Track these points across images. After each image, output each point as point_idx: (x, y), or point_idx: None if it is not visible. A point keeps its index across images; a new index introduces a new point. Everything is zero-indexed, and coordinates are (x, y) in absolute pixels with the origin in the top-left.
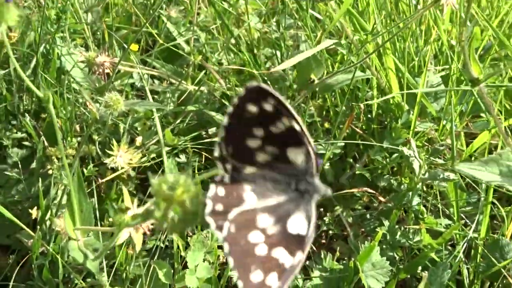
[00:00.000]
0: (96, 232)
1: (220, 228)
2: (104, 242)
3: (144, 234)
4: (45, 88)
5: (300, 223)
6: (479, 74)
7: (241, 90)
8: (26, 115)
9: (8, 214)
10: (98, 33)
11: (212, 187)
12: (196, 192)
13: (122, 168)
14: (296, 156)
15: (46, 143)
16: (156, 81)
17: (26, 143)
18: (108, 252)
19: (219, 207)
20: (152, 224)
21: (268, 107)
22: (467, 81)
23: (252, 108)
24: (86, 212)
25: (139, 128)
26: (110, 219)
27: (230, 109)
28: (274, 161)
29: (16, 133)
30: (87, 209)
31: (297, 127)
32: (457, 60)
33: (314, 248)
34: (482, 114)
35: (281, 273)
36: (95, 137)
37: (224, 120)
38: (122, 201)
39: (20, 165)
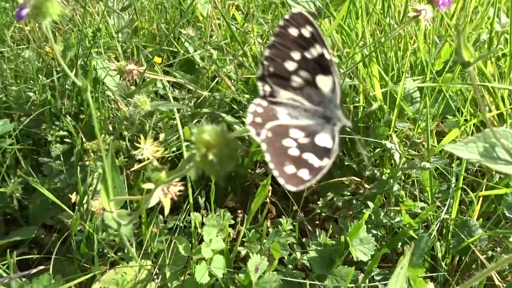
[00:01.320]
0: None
1: (258, 134)
2: (135, 210)
3: (172, 199)
4: (83, 93)
5: (326, 140)
6: (470, 58)
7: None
8: (67, 116)
9: (52, 197)
10: (128, 50)
11: (252, 106)
12: (231, 139)
13: (147, 159)
14: (324, 84)
15: (83, 139)
16: (176, 90)
17: (67, 139)
18: (136, 231)
19: (258, 119)
20: (179, 191)
21: (306, 32)
22: (439, 89)
23: (293, 31)
24: (119, 187)
25: (162, 126)
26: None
27: (275, 29)
28: (305, 88)
29: (59, 131)
30: (119, 185)
31: (327, 55)
32: (429, 72)
33: (310, 228)
34: (450, 117)
35: (311, 170)
36: (125, 133)
37: (270, 39)
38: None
39: (62, 158)
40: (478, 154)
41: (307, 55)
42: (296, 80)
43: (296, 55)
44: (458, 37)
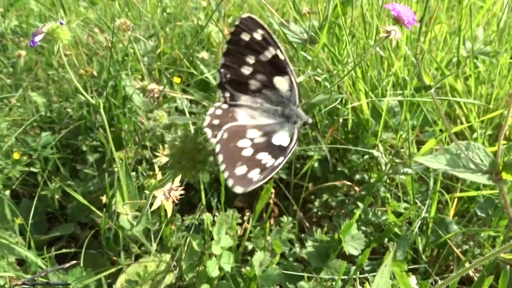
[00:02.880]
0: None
1: (214, 136)
2: (144, 214)
3: (176, 205)
4: (114, 109)
5: (283, 138)
6: (430, 82)
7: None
8: (100, 129)
9: (83, 200)
10: (153, 72)
11: (211, 108)
12: (203, 145)
13: (154, 173)
14: (281, 84)
15: (113, 149)
16: (193, 105)
17: (99, 149)
18: (157, 228)
19: (216, 121)
20: (180, 195)
21: (257, 36)
22: (420, 96)
23: (245, 37)
24: (132, 193)
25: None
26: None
27: (228, 37)
28: (263, 90)
29: (92, 142)
30: (133, 191)
31: (281, 56)
32: (408, 89)
33: (308, 225)
34: (428, 128)
35: (262, 170)
36: (148, 143)
37: (224, 47)
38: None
39: (94, 165)
40: (446, 164)
41: (262, 58)
42: (254, 83)
43: (251, 59)
44: (418, 65)
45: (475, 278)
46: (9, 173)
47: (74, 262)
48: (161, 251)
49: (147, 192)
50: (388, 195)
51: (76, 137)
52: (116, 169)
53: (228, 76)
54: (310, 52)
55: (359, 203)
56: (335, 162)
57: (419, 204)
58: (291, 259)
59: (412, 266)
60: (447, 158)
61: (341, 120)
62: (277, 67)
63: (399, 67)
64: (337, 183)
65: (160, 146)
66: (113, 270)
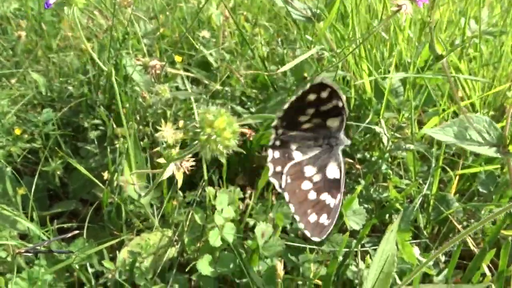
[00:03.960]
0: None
1: (281, 186)
2: (153, 182)
3: (185, 173)
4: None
5: (334, 170)
6: (442, 51)
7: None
8: (101, 107)
9: (88, 174)
10: (153, 54)
11: (270, 152)
12: (234, 121)
13: (174, 144)
14: (333, 123)
15: (114, 126)
16: (194, 86)
17: (100, 127)
18: (159, 204)
19: (278, 168)
20: (191, 166)
21: (324, 94)
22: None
23: (311, 97)
24: (140, 163)
25: (181, 115)
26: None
27: (292, 98)
28: (314, 128)
29: (94, 119)
30: (141, 161)
31: (340, 104)
32: (412, 69)
33: None
34: (429, 109)
35: (329, 214)
36: (149, 119)
37: (285, 105)
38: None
39: (96, 142)
40: (453, 137)
41: (322, 108)
42: (307, 125)
43: (311, 110)
44: (431, 34)
45: (476, 252)
46: (9, 149)
47: (76, 232)
48: (163, 226)
49: (161, 160)
50: (389, 172)
51: (77, 115)
52: (118, 146)
53: (284, 123)
54: (315, 30)
55: (360, 180)
56: None
57: (420, 181)
58: (292, 234)
59: (414, 241)
60: (454, 131)
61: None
62: (334, 112)
63: (404, 47)
64: None
65: (162, 121)
66: (115, 242)
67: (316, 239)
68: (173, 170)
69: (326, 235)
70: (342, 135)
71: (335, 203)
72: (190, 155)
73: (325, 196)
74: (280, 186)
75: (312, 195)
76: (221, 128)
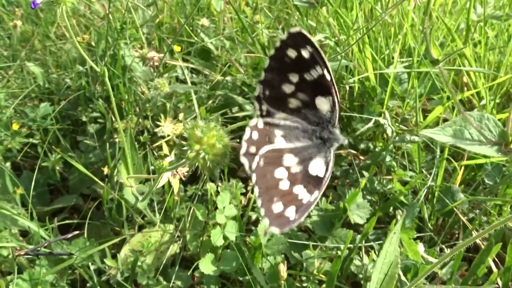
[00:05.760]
0: (146, 181)
1: (251, 167)
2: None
3: (182, 180)
4: (113, 79)
5: (319, 166)
6: (438, 56)
7: (283, 35)
8: (100, 99)
9: (85, 171)
10: (153, 42)
11: (248, 130)
12: (224, 136)
13: (168, 135)
14: (323, 105)
15: (113, 120)
16: (194, 75)
17: (99, 120)
18: (161, 199)
19: (253, 149)
20: (186, 172)
21: (305, 53)
22: (427, 65)
23: (292, 53)
24: (137, 164)
25: (181, 107)
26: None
27: (272, 52)
28: (302, 108)
29: (92, 113)
30: (137, 162)
31: (327, 76)
32: (416, 55)
33: None
34: (434, 97)
35: (298, 207)
36: (149, 113)
37: (265, 62)
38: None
39: (95, 136)
40: (453, 137)
41: (306, 76)
42: (294, 102)
43: (294, 77)
44: (426, 39)
45: (482, 246)
46: (8, 145)
47: (77, 232)
48: (164, 221)
49: (156, 173)
50: (393, 163)
51: (76, 108)
52: (118, 140)
53: (267, 93)
54: (317, 16)
55: (364, 172)
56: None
57: (425, 172)
58: (295, 228)
59: (418, 234)
60: (454, 130)
61: (347, 88)
62: (321, 87)
63: (408, 33)
64: (341, 152)
65: (162, 116)
66: (116, 240)
67: (274, 229)
68: (169, 177)
69: (287, 230)
70: (337, 130)
71: (309, 199)
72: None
73: (300, 190)
74: (250, 168)
75: (284, 185)
76: (210, 144)
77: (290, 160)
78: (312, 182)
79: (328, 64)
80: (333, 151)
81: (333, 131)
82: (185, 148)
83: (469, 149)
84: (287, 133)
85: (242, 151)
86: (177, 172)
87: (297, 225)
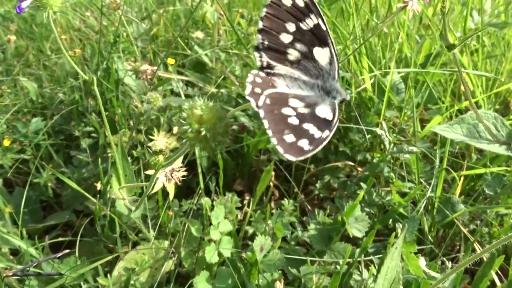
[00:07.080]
0: (139, 193)
1: (257, 106)
2: (143, 194)
3: (176, 193)
4: (106, 93)
5: (326, 112)
6: (454, 40)
7: None
8: (93, 114)
9: (76, 187)
10: (147, 56)
11: (250, 76)
12: (223, 114)
13: (161, 150)
14: (321, 56)
15: (106, 134)
16: (189, 88)
17: (93, 134)
18: (155, 213)
19: (257, 90)
20: (183, 177)
21: (299, 1)
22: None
23: (287, 1)
24: (129, 176)
25: (175, 120)
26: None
27: (267, 0)
28: (302, 61)
29: (85, 127)
30: (129, 174)
31: (323, 26)
32: (413, 65)
33: (309, 207)
34: (431, 106)
35: (311, 141)
36: (142, 127)
37: (262, 11)
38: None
39: (88, 151)
40: (462, 134)
41: (302, 26)
42: (293, 53)
43: (291, 26)
44: (443, 20)
45: (485, 259)
46: (0, 161)
47: (67, 251)
48: (159, 237)
49: (150, 172)
50: (392, 175)
51: (69, 123)
52: (110, 154)
53: (266, 43)
54: None
55: (362, 184)
56: (336, 142)
57: (424, 183)
58: (293, 242)
59: (418, 247)
60: (463, 128)
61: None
62: (318, 37)
63: (405, 41)
64: (339, 163)
65: (155, 130)
66: (109, 258)
67: (290, 157)
68: (163, 182)
69: (302, 159)
70: (338, 84)
71: (321, 135)
72: (183, 164)
73: (310, 127)
74: (257, 105)
75: (294, 121)
76: (211, 122)
77: (296, 103)
78: (321, 123)
79: (322, 13)
80: (337, 103)
81: (334, 84)
82: (185, 127)
83: (478, 147)
84: (289, 83)
85: (247, 91)
86: (172, 176)
87: (296, 240)
